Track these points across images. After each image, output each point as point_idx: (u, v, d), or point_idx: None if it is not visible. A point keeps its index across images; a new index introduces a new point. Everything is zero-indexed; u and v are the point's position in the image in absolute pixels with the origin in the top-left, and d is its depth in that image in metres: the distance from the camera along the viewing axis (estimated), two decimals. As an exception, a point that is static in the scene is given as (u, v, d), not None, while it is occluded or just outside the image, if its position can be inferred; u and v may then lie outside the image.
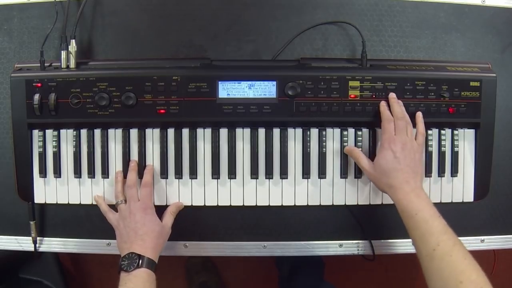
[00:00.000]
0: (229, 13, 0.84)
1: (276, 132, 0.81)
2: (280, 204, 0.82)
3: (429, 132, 0.81)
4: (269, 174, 0.81)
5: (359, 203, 0.83)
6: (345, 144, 0.81)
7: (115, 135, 0.81)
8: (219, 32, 0.84)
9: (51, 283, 1.20)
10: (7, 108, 0.83)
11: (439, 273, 0.64)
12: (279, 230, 0.85)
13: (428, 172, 0.82)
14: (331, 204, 0.82)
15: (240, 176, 0.81)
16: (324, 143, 0.81)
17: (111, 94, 0.77)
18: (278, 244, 0.85)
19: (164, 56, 0.84)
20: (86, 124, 0.80)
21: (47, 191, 0.81)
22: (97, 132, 0.81)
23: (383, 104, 0.78)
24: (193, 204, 0.82)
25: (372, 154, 0.80)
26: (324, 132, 0.81)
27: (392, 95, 0.78)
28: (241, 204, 0.82)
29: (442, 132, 0.82)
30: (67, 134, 0.81)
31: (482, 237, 0.87)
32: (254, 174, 0.81)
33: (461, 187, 0.83)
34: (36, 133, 0.80)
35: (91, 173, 0.81)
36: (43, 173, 0.80)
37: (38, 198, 0.82)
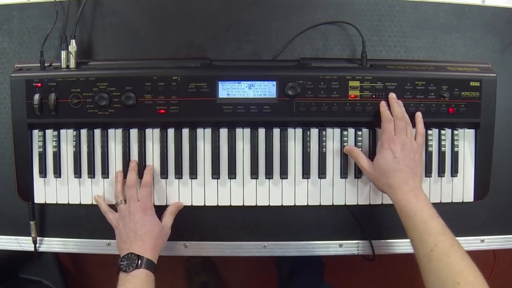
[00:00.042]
0: (229, 13, 0.84)
1: (276, 132, 0.81)
2: (280, 204, 0.82)
3: (429, 132, 0.81)
4: (269, 174, 0.81)
5: (359, 203, 0.83)
6: (345, 144, 0.81)
7: (115, 135, 0.81)
8: (219, 32, 0.84)
9: (51, 283, 1.20)
10: (7, 108, 0.83)
11: (436, 274, 0.64)
12: (279, 230, 0.85)
13: (428, 172, 0.82)
14: (331, 204, 0.82)
15: (240, 176, 0.81)
16: (324, 143, 0.81)
17: (111, 94, 0.77)
18: (278, 244, 0.85)
19: (164, 56, 0.84)
20: (86, 124, 0.80)
21: (47, 191, 0.81)
22: (97, 132, 0.81)
23: (383, 104, 0.78)
24: (193, 204, 0.82)
25: (372, 154, 0.80)
26: (324, 132, 0.81)
27: (392, 95, 0.78)
28: (241, 204, 0.82)
29: (442, 132, 0.82)
30: (67, 134, 0.81)
31: (482, 237, 0.87)
32: (254, 174, 0.81)
33: (461, 187, 0.83)
34: (36, 133, 0.80)
35: (91, 173, 0.81)
36: (43, 173, 0.80)
37: (38, 198, 0.82)
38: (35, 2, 0.83)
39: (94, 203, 0.81)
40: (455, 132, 0.82)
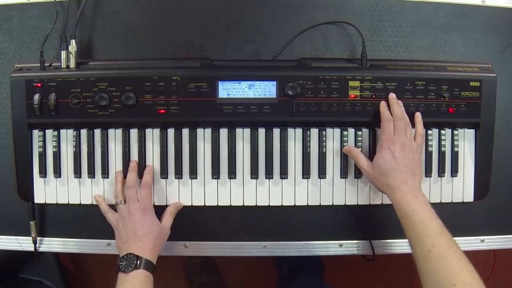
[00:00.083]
0: (229, 13, 0.84)
1: (276, 132, 0.81)
2: (280, 204, 0.82)
3: (429, 132, 0.81)
4: (269, 174, 0.81)
5: (359, 203, 0.83)
6: (345, 144, 0.81)
7: (115, 135, 0.81)
8: (219, 32, 0.84)
9: (51, 283, 1.20)
10: (7, 108, 0.83)
11: (433, 275, 0.64)
12: (279, 230, 0.85)
13: (428, 172, 0.82)
14: (331, 204, 0.82)
15: (240, 176, 0.81)
16: (324, 143, 0.81)
17: (111, 94, 0.77)
18: (278, 244, 0.85)
19: (164, 56, 0.84)
20: (86, 124, 0.80)
21: (47, 191, 0.81)
22: (97, 132, 0.81)
23: (383, 104, 0.78)
24: (193, 204, 0.82)
25: (372, 154, 0.80)
26: (324, 132, 0.81)
27: (392, 96, 0.78)
28: (241, 204, 0.82)
29: (442, 132, 0.82)
30: (67, 134, 0.81)
31: (482, 237, 0.87)
32: (254, 174, 0.81)
33: (461, 187, 0.83)
34: (36, 133, 0.80)
35: (91, 173, 0.81)
36: (43, 173, 0.80)
37: (38, 198, 0.82)
38: (35, 2, 0.83)
39: (94, 203, 0.81)
40: (455, 132, 0.82)
